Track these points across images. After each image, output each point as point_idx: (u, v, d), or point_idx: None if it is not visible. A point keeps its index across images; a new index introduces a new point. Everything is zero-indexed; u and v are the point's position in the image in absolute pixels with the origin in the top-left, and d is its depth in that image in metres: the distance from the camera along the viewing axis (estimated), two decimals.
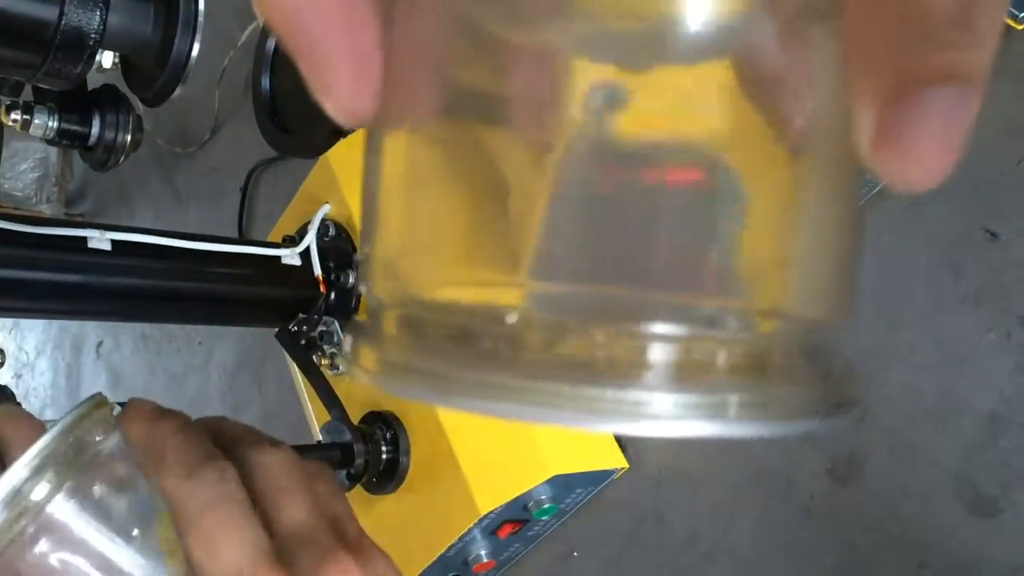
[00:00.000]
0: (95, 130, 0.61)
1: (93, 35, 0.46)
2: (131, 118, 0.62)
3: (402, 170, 0.17)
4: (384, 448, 0.68)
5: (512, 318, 0.15)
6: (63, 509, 0.28)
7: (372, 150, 0.17)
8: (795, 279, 0.16)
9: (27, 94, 0.64)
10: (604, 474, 0.67)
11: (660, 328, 0.15)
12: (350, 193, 0.74)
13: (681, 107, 0.15)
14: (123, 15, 0.49)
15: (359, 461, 0.67)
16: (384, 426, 0.69)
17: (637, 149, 0.15)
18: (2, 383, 0.67)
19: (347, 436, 0.67)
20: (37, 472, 0.28)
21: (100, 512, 0.29)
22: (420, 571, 0.67)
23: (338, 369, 0.72)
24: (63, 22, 0.45)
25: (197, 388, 1.20)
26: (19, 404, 0.74)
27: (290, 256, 0.72)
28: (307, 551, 0.30)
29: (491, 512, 0.62)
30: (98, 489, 0.29)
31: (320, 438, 0.69)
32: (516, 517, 0.65)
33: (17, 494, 0.27)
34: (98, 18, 0.46)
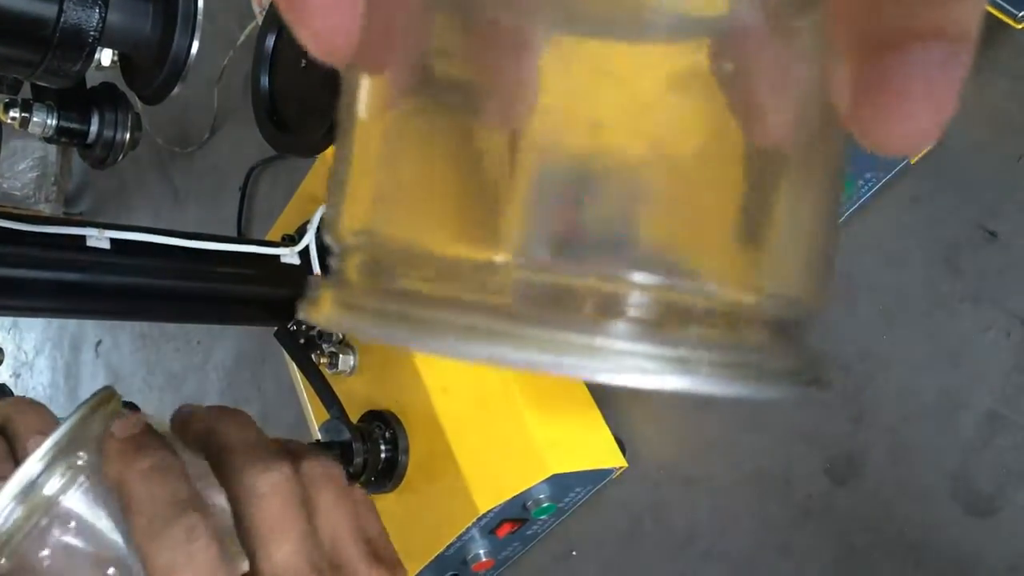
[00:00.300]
0: (94, 128, 0.61)
1: (92, 33, 0.46)
2: (130, 116, 0.62)
3: (380, 118, 0.17)
4: (383, 447, 0.68)
5: (488, 264, 0.15)
6: (76, 501, 0.28)
7: (349, 93, 0.17)
8: (772, 258, 0.16)
9: (26, 92, 0.64)
10: (603, 473, 0.67)
11: (639, 278, 0.15)
12: None
13: (654, 87, 0.15)
14: (122, 13, 0.49)
15: (358, 460, 0.67)
16: (383, 425, 0.69)
17: (616, 115, 0.15)
18: (1, 382, 0.67)
19: (346, 435, 0.67)
20: (51, 466, 0.28)
21: (112, 504, 0.29)
22: (419, 570, 0.67)
23: (337, 368, 0.72)
24: (62, 19, 0.45)
25: (196, 387, 1.20)
26: None
27: (289, 255, 0.72)
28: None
29: (490, 511, 0.62)
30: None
31: (319, 437, 0.69)
32: (515, 516, 0.65)
33: (32, 488, 0.28)
34: (97, 16, 0.46)
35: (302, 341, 0.73)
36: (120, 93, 0.63)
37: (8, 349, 1.69)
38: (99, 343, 1.46)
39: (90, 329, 1.48)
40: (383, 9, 0.15)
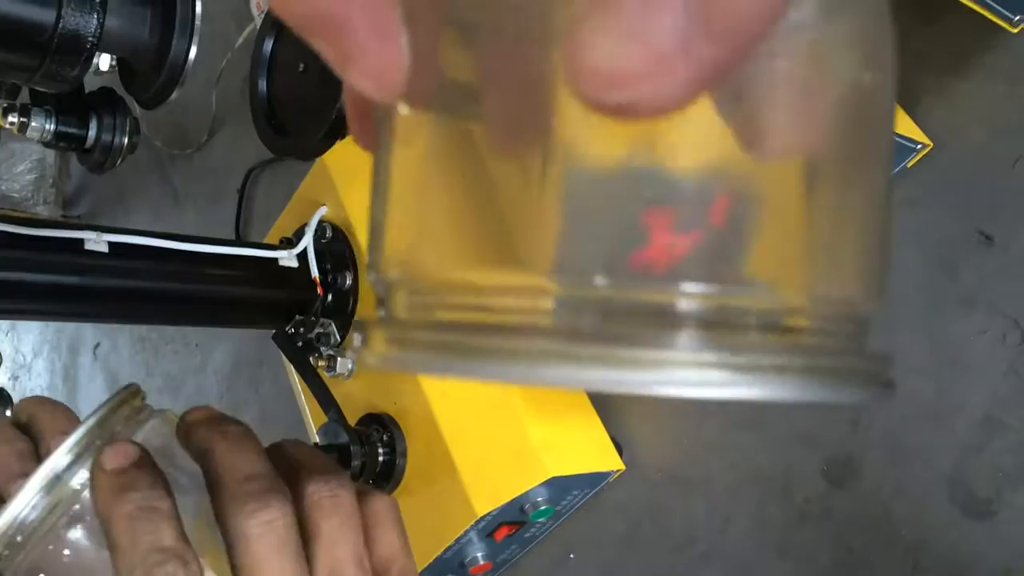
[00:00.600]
0: (92, 133, 0.61)
1: (90, 38, 0.47)
2: (128, 121, 0.62)
3: (419, 155, 0.17)
4: (381, 450, 0.68)
5: (536, 287, 0.15)
6: None
7: (385, 135, 0.17)
8: (825, 259, 0.16)
9: (24, 96, 0.64)
10: (601, 476, 0.67)
11: (693, 288, 0.14)
12: (347, 195, 0.74)
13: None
14: (120, 18, 0.49)
15: (356, 463, 0.67)
16: (381, 428, 0.69)
17: (657, 127, 0.14)
18: None
19: (344, 438, 0.67)
20: (76, 460, 0.28)
21: None
22: (417, 573, 0.67)
23: (335, 371, 0.72)
24: (60, 25, 0.45)
25: (194, 390, 1.20)
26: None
27: (287, 258, 0.72)
28: None
29: (488, 514, 0.62)
30: None
31: (317, 440, 0.69)
32: (513, 519, 0.66)
33: (58, 481, 0.28)
34: (95, 21, 0.46)
35: (300, 344, 0.73)
36: (118, 98, 0.63)
37: (6, 352, 1.69)
38: (97, 346, 1.45)
39: (88, 332, 1.48)
40: (418, 44, 0.15)
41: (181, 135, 1.24)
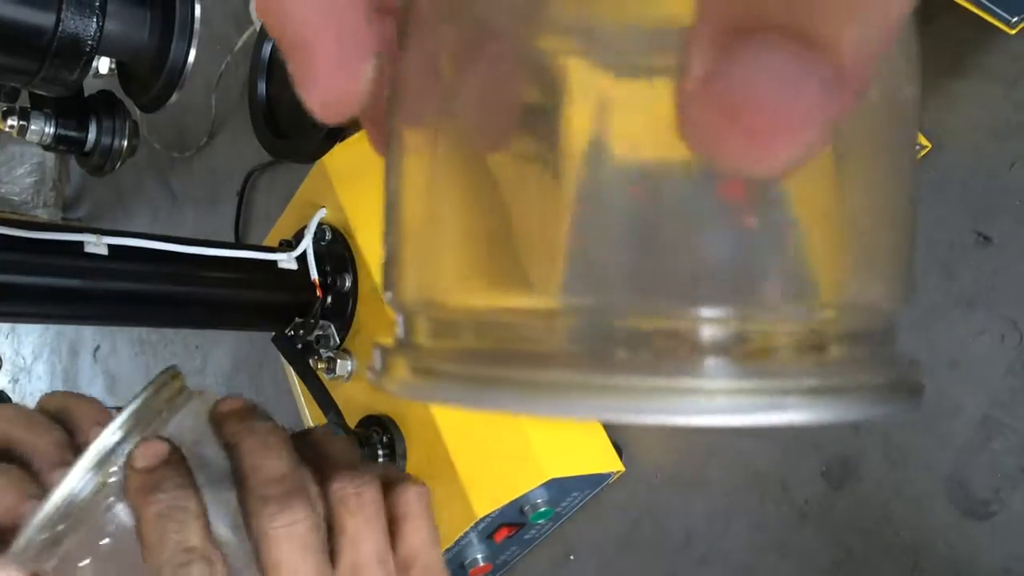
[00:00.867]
0: (92, 136, 0.61)
1: (90, 42, 0.47)
2: (127, 124, 0.62)
3: (428, 177, 0.16)
4: (380, 452, 0.69)
5: (553, 312, 0.14)
6: None
7: (394, 155, 0.17)
8: (844, 269, 0.15)
9: (24, 100, 0.64)
10: (600, 477, 0.67)
11: (715, 312, 0.14)
12: (346, 198, 0.74)
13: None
14: (120, 22, 0.49)
15: None
16: (380, 430, 0.69)
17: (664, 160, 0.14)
18: None
19: None
20: (123, 439, 0.30)
21: None
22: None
23: (335, 373, 0.72)
24: (60, 29, 0.45)
25: None
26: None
27: (287, 260, 0.72)
28: None
29: (487, 516, 0.62)
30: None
31: None
32: (512, 521, 0.66)
33: (107, 460, 0.30)
34: (95, 25, 0.46)
35: (300, 346, 0.73)
36: (118, 101, 0.63)
37: (6, 354, 1.69)
38: (97, 348, 1.46)
39: (88, 334, 1.48)
40: (412, 77, 0.15)
41: (180, 138, 1.25)
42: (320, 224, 0.74)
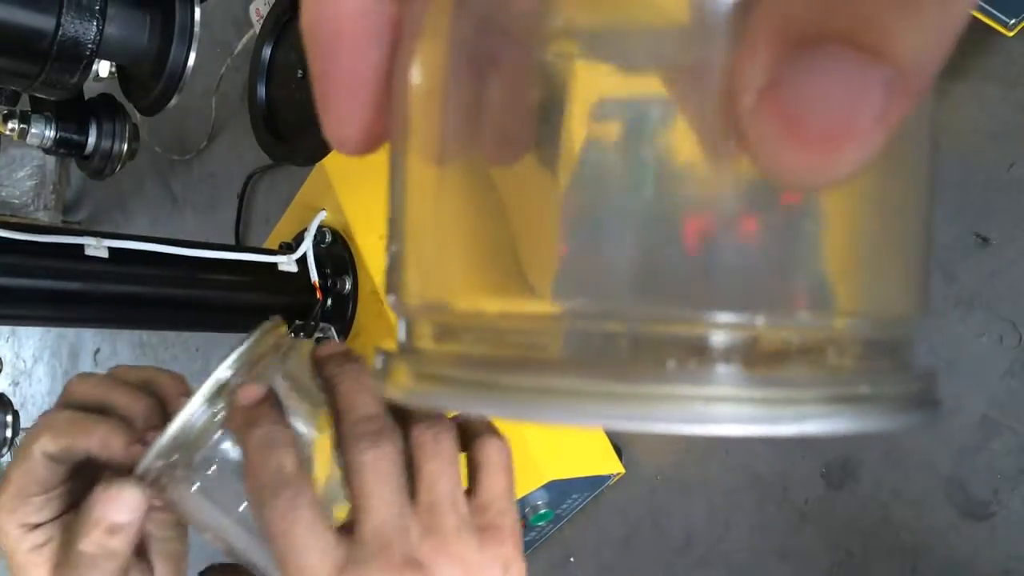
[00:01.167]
0: (92, 139, 0.62)
1: (90, 45, 0.47)
2: (128, 127, 0.62)
3: (431, 184, 0.16)
4: None
5: (559, 317, 0.14)
6: None
7: (397, 161, 0.17)
8: (861, 277, 0.15)
9: (24, 103, 0.64)
10: (600, 479, 0.67)
11: (727, 318, 0.13)
12: (346, 200, 0.74)
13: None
14: (120, 25, 0.49)
15: None
16: None
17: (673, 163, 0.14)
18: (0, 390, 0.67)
19: None
20: (234, 375, 0.35)
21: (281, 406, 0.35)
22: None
23: None
24: (60, 32, 0.46)
25: None
26: (17, 412, 0.74)
27: (287, 263, 0.72)
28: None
29: None
30: (281, 387, 0.36)
31: None
32: None
33: (222, 390, 0.34)
34: (95, 28, 0.47)
35: None
36: (118, 104, 0.64)
37: (7, 357, 1.69)
38: (97, 351, 1.46)
39: (88, 337, 1.48)
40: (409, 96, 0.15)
41: (180, 141, 1.25)
42: (320, 226, 0.75)
